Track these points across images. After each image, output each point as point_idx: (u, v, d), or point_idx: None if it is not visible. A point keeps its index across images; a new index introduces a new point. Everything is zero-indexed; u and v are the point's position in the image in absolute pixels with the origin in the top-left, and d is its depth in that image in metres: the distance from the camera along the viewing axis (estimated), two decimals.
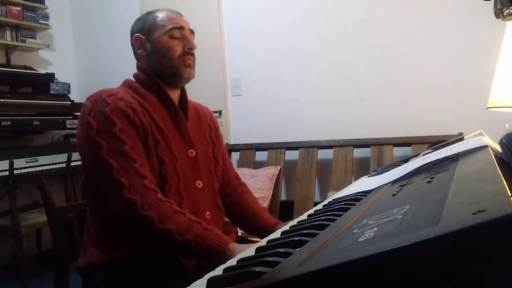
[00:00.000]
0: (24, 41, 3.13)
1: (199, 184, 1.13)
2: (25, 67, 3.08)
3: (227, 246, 0.94)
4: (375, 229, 0.39)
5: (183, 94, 1.20)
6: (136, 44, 1.15)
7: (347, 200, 0.72)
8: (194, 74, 1.16)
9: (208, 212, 1.13)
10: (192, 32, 1.17)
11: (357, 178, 1.56)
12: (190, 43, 1.14)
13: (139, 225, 0.96)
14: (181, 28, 1.13)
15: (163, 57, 1.11)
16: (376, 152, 2.34)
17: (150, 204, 0.94)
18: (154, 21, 1.13)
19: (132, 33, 1.16)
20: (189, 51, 1.13)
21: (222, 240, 0.95)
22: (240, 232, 1.33)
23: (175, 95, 1.16)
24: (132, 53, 1.19)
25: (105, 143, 0.97)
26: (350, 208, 0.63)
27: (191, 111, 1.21)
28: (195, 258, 1.01)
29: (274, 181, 2.52)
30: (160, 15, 1.14)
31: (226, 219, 1.26)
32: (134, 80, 1.16)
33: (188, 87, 1.20)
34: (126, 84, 1.15)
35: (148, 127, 1.04)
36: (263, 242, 0.65)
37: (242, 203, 1.29)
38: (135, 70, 1.17)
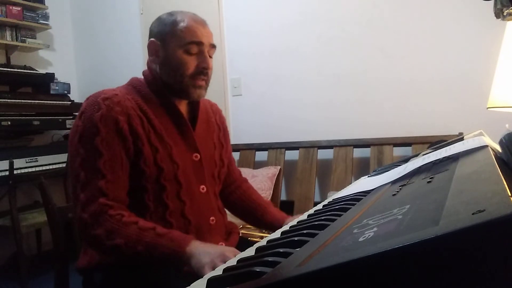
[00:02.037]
0: (24, 41, 3.12)
1: (203, 188, 1.10)
2: (25, 67, 3.08)
3: (183, 249, 0.88)
4: (375, 229, 0.39)
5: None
6: (150, 49, 1.08)
7: (347, 200, 0.72)
8: (204, 94, 1.10)
9: (212, 217, 1.11)
10: (213, 46, 1.08)
11: (357, 178, 1.56)
12: (206, 62, 1.05)
13: (92, 244, 0.97)
14: (199, 43, 1.05)
15: (174, 72, 1.05)
16: (376, 152, 2.34)
17: (99, 222, 0.92)
18: (173, 29, 1.04)
19: (150, 34, 1.10)
20: (202, 71, 1.06)
21: (178, 244, 0.89)
22: (241, 233, 1.33)
23: (181, 100, 1.12)
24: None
25: (83, 152, 0.96)
26: (350, 208, 0.63)
27: (201, 112, 1.16)
28: (155, 265, 0.95)
29: (274, 181, 2.51)
30: (181, 24, 1.04)
31: (229, 219, 1.25)
32: (143, 77, 1.11)
33: None
34: (132, 83, 1.10)
35: (144, 134, 1.00)
36: (263, 242, 0.65)
37: (249, 200, 1.28)
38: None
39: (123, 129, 0.98)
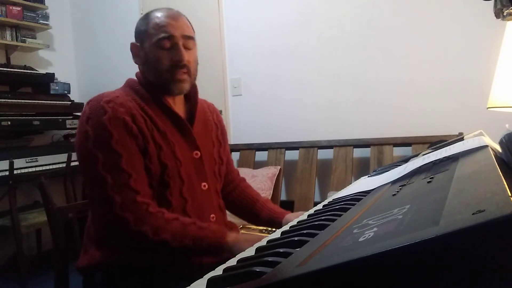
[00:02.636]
0: (24, 41, 3.12)
1: (204, 186, 1.11)
2: (25, 67, 3.08)
3: (224, 240, 0.97)
4: (375, 229, 0.39)
5: (193, 92, 1.16)
6: (132, 51, 1.11)
7: (347, 200, 0.71)
8: (187, 88, 1.09)
9: (213, 215, 1.12)
10: (188, 38, 1.07)
11: (357, 178, 1.56)
12: (178, 55, 1.04)
13: (134, 241, 0.97)
14: (170, 37, 1.04)
15: (152, 69, 1.07)
16: (376, 152, 2.34)
17: (142, 219, 0.95)
18: (147, 27, 1.06)
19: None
20: (177, 63, 1.04)
21: (219, 235, 0.98)
22: (241, 232, 1.33)
23: (176, 98, 1.13)
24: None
25: (101, 156, 0.96)
26: (350, 208, 0.63)
27: (198, 111, 1.17)
28: (197, 256, 1.02)
29: (274, 181, 2.51)
30: (153, 21, 1.06)
31: (228, 219, 1.25)
32: (136, 79, 1.12)
33: None
34: (129, 84, 1.11)
35: (148, 133, 1.02)
36: (263, 242, 0.65)
37: (247, 197, 1.29)
38: (135, 71, 1.14)
39: (132, 128, 1.00)
